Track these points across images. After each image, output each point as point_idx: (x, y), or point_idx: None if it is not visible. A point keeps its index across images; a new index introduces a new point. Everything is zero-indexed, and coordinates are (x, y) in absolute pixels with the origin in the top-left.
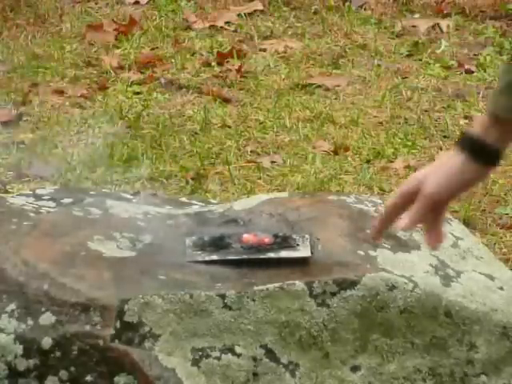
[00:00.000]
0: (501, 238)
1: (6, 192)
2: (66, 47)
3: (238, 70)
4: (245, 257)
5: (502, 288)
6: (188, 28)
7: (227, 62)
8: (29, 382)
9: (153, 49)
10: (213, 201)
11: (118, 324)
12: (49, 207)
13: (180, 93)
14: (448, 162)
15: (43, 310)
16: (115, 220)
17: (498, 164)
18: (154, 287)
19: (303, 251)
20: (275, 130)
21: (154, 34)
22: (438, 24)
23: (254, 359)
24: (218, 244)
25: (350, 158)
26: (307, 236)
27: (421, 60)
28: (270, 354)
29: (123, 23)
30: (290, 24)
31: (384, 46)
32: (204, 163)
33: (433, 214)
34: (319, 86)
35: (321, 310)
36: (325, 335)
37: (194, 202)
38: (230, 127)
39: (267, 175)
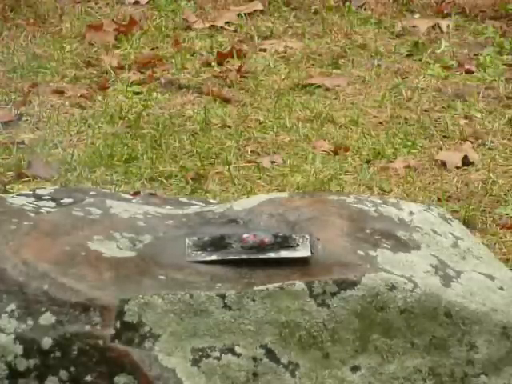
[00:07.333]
0: (501, 238)
1: (6, 192)
2: (66, 47)
3: (238, 70)
4: (245, 257)
5: (502, 288)
6: (188, 28)
7: (227, 62)
8: (29, 382)
9: (153, 49)
10: (213, 201)
11: (117, 324)
12: (49, 207)
13: (180, 93)
14: None
15: (43, 310)
16: (115, 220)
17: None
18: (154, 287)
19: (303, 251)
20: (275, 129)
21: (154, 33)
22: (438, 24)
23: (254, 359)
24: (218, 244)
25: (349, 158)
26: (307, 236)
27: (421, 60)
28: (270, 354)
29: (123, 23)
30: (290, 24)
31: (384, 46)
32: (204, 163)
33: None
34: (319, 86)
35: (321, 309)
36: (325, 335)
37: (193, 202)
38: (230, 127)
39: (267, 175)
